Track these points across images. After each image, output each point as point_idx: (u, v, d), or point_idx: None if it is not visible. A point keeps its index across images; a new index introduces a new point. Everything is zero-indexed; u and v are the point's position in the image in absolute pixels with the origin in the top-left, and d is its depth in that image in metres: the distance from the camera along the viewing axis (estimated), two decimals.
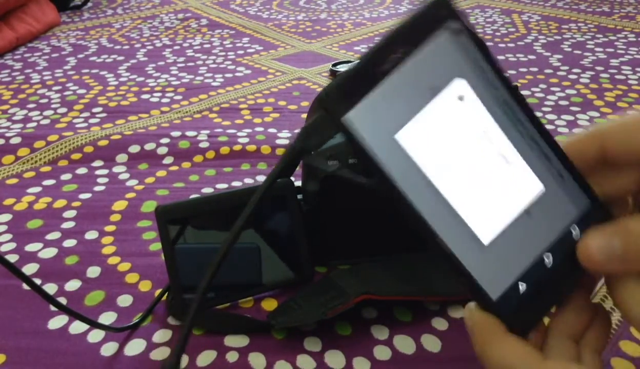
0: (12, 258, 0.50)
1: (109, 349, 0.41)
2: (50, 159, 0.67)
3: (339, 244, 0.47)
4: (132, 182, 0.62)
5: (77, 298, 0.46)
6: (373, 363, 0.39)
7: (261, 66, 0.95)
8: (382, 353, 0.40)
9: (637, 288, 0.23)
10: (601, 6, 1.23)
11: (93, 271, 0.48)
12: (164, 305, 0.44)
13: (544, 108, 0.77)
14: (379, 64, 0.22)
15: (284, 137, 0.70)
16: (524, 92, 0.82)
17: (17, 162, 0.67)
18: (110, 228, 0.54)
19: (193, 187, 0.61)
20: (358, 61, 0.22)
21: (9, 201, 0.59)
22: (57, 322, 0.43)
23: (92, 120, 0.77)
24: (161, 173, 0.64)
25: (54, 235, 0.53)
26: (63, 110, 0.80)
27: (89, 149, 0.68)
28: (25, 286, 0.46)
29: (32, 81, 0.91)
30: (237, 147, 0.68)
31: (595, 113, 0.75)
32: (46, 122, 0.77)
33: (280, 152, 0.67)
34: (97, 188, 0.61)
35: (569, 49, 0.99)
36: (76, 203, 0.58)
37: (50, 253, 0.51)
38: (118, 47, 1.06)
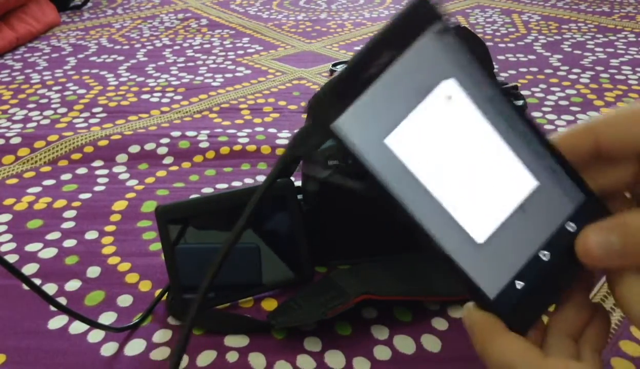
0: (12, 258, 0.50)
1: (109, 349, 0.41)
2: (50, 159, 0.67)
3: (339, 244, 0.47)
4: (132, 182, 0.62)
5: (77, 298, 0.46)
6: (373, 363, 0.39)
7: (261, 66, 0.95)
8: (382, 353, 0.40)
9: (638, 286, 0.23)
10: (601, 6, 1.23)
11: (93, 271, 0.48)
12: (164, 305, 0.44)
13: (544, 108, 0.77)
14: (366, 70, 0.22)
15: (284, 137, 0.70)
16: (524, 92, 0.82)
17: (17, 162, 0.67)
18: (110, 228, 0.54)
19: (193, 187, 0.61)
20: (345, 68, 0.22)
21: (9, 201, 0.59)
22: (57, 322, 0.43)
23: (92, 120, 0.77)
24: (161, 173, 0.64)
25: (54, 235, 0.53)
26: (63, 110, 0.80)
27: (89, 149, 0.68)
28: (25, 286, 0.46)
29: (32, 81, 0.91)
30: (237, 147, 0.68)
31: (595, 114, 0.76)
32: (46, 122, 0.77)
33: (280, 152, 0.67)
34: (97, 188, 0.61)
35: (569, 49, 0.99)
36: (76, 203, 0.58)
37: (50, 253, 0.51)
38: (118, 47, 1.06)
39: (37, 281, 0.47)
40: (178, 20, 1.22)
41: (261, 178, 0.62)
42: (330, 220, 0.46)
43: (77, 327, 0.43)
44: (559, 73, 0.88)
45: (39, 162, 0.67)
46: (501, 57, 0.95)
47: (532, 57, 0.96)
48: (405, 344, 0.41)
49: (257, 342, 0.41)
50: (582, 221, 0.24)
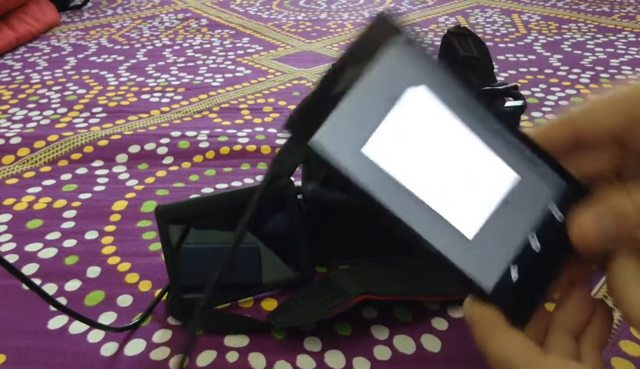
0: (12, 258, 0.50)
1: (109, 349, 0.41)
2: (50, 159, 0.67)
3: (339, 244, 0.47)
4: (132, 182, 0.62)
5: (77, 298, 0.46)
6: (373, 363, 0.39)
7: (261, 66, 0.95)
8: (382, 353, 0.40)
9: (631, 272, 0.23)
10: (601, 6, 1.23)
11: (93, 271, 0.48)
12: (164, 305, 0.44)
13: (544, 108, 0.77)
14: (335, 86, 0.23)
15: (284, 137, 0.70)
16: (524, 92, 0.82)
17: (17, 162, 0.67)
18: (110, 228, 0.54)
19: (193, 187, 0.61)
20: (315, 86, 0.23)
21: (9, 201, 0.59)
22: (57, 322, 0.43)
23: (92, 120, 0.77)
24: (161, 173, 0.64)
25: (54, 235, 0.53)
26: (63, 110, 0.80)
27: (89, 149, 0.68)
28: (25, 287, 0.46)
29: (32, 81, 0.91)
30: (237, 147, 0.68)
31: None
32: (46, 122, 0.77)
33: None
34: (97, 188, 0.61)
35: (569, 49, 0.98)
36: (76, 203, 0.58)
37: (50, 253, 0.51)
38: (118, 47, 1.06)
39: (37, 281, 0.47)
40: (178, 20, 1.22)
41: (261, 178, 0.62)
42: (330, 220, 0.45)
43: (77, 327, 0.43)
44: (559, 73, 0.88)
45: (39, 162, 0.67)
46: (501, 57, 0.95)
47: (532, 57, 0.96)
48: (405, 344, 0.41)
49: (257, 342, 0.41)
50: (567, 207, 0.25)
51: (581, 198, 0.24)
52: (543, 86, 0.84)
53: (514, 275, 0.24)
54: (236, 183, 0.61)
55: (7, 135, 0.71)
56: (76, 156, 0.67)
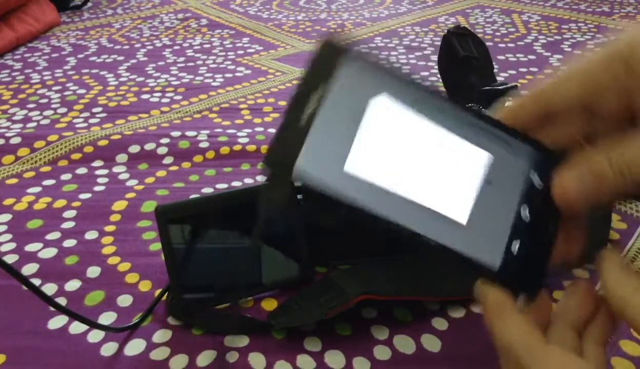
0: (12, 258, 0.50)
1: (108, 350, 0.41)
2: (50, 159, 0.67)
3: (339, 244, 0.47)
4: (132, 182, 0.62)
5: (77, 298, 0.46)
6: (373, 363, 0.39)
7: (261, 66, 0.95)
8: (382, 353, 0.40)
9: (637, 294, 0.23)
10: (601, 6, 1.23)
11: (93, 271, 0.48)
12: (164, 305, 0.44)
13: None
14: (301, 116, 0.24)
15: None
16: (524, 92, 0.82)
17: (17, 162, 0.67)
18: (110, 228, 0.54)
19: (193, 187, 0.61)
20: (281, 122, 0.24)
21: (9, 201, 0.59)
22: (56, 322, 0.43)
23: (92, 120, 0.77)
24: (161, 173, 0.64)
25: (54, 235, 0.53)
26: (63, 110, 0.80)
27: (89, 149, 0.68)
28: (25, 287, 0.46)
29: (32, 81, 0.91)
30: (237, 147, 0.68)
31: None
32: (46, 122, 0.77)
33: None
34: (97, 188, 0.61)
35: (569, 49, 0.98)
36: (76, 203, 0.58)
37: (50, 253, 0.51)
38: (118, 47, 1.06)
39: (37, 282, 0.47)
40: (178, 20, 1.22)
41: (261, 178, 0.62)
42: (330, 221, 0.45)
43: (77, 327, 0.43)
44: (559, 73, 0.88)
45: (39, 162, 0.67)
46: (501, 57, 0.95)
47: (532, 57, 0.96)
48: (405, 344, 0.41)
49: (257, 342, 0.41)
50: (547, 174, 0.25)
51: (559, 163, 0.25)
52: None
53: (515, 248, 0.25)
54: (236, 183, 0.61)
55: (7, 135, 0.71)
56: (76, 156, 0.67)
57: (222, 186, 0.61)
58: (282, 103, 0.80)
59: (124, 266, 0.49)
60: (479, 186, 0.25)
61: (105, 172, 0.64)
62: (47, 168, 0.65)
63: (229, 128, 0.73)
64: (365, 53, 0.25)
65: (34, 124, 0.76)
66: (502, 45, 1.01)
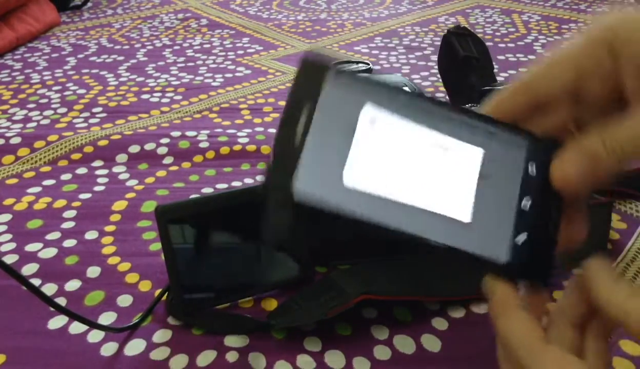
0: (12, 258, 0.50)
1: (108, 350, 0.41)
2: (50, 159, 0.67)
3: (339, 244, 0.47)
4: (132, 182, 0.62)
5: (77, 298, 0.46)
6: (373, 363, 0.39)
7: (261, 66, 0.95)
8: (382, 353, 0.40)
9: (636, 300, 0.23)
10: (601, 6, 1.23)
11: (93, 271, 0.48)
12: (164, 305, 0.44)
13: None
14: (292, 137, 0.24)
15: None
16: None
17: (17, 162, 0.67)
18: (110, 228, 0.54)
19: (193, 187, 0.61)
20: (274, 146, 0.24)
21: (9, 201, 0.59)
22: (56, 322, 0.43)
23: (92, 120, 0.77)
24: (161, 173, 0.64)
25: (54, 235, 0.53)
26: (63, 110, 0.80)
27: (89, 149, 0.68)
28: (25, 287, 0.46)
29: (32, 81, 0.91)
30: (237, 147, 0.68)
31: None
32: (46, 122, 0.77)
33: None
34: (97, 188, 0.61)
35: None
36: (76, 203, 0.58)
37: (50, 253, 0.51)
38: (118, 47, 1.06)
39: (37, 282, 0.47)
40: (178, 20, 1.22)
41: (261, 178, 0.62)
42: (330, 221, 0.45)
43: (77, 327, 0.43)
44: None
45: (39, 162, 0.67)
46: (501, 57, 0.95)
47: (532, 57, 0.96)
48: (405, 344, 0.41)
49: (257, 342, 0.41)
50: (543, 162, 0.26)
51: (553, 151, 0.25)
52: None
53: (520, 240, 0.25)
54: (236, 183, 0.61)
55: (7, 135, 0.71)
56: (76, 156, 0.67)
57: (222, 186, 0.61)
58: (282, 103, 0.80)
59: (124, 266, 0.49)
60: (478, 183, 0.25)
61: (105, 172, 0.64)
62: (47, 168, 0.65)
63: (229, 128, 0.73)
64: (345, 68, 0.25)
65: (34, 124, 0.76)
66: (502, 45, 1.01)
